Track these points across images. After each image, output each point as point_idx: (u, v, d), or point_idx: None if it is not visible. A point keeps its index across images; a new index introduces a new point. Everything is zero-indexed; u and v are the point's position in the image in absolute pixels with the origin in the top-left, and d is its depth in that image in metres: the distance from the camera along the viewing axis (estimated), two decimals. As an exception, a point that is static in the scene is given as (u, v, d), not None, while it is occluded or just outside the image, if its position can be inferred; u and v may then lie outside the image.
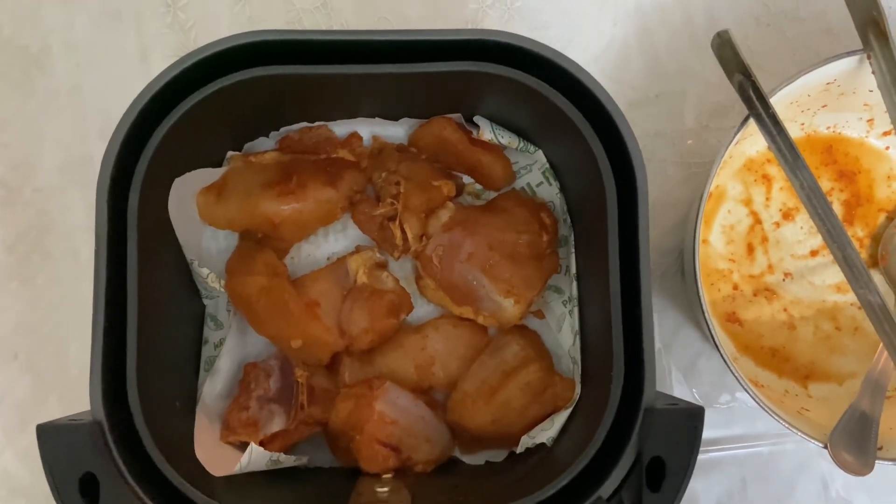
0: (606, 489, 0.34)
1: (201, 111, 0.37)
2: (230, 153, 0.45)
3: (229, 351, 0.43)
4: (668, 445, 0.34)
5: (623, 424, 0.35)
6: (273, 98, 0.41)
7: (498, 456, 0.44)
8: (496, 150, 0.45)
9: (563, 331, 0.46)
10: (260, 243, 0.45)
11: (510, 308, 0.44)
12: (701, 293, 0.41)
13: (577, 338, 0.43)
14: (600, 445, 0.35)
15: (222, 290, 0.43)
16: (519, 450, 0.41)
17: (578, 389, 0.42)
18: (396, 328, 0.44)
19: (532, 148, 0.45)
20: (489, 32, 0.35)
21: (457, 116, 0.45)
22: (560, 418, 0.41)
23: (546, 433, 0.41)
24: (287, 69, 0.37)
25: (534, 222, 0.44)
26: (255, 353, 0.45)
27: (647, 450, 0.34)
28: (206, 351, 0.44)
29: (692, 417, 0.34)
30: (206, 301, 0.45)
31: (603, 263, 0.37)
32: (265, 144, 0.46)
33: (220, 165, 0.44)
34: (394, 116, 0.45)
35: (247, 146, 0.46)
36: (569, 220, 0.46)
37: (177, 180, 0.39)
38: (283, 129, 0.46)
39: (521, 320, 0.44)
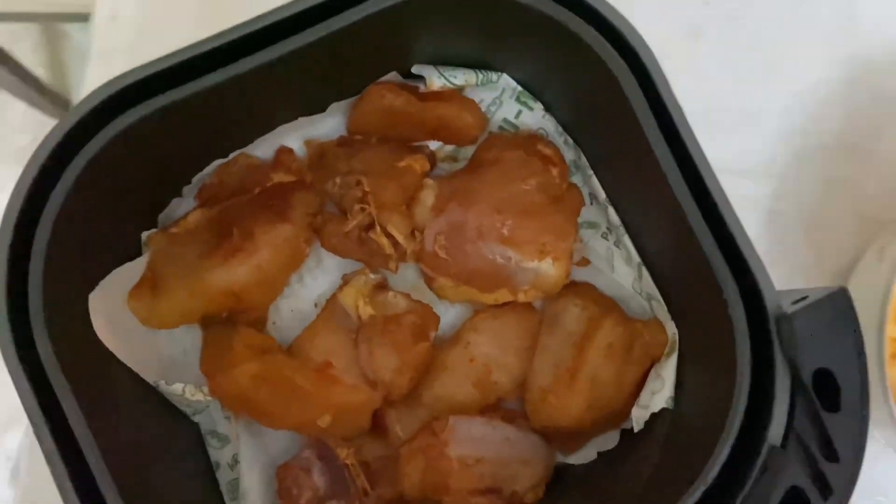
0: (775, 434, 0.28)
1: (84, 193, 0.29)
2: (144, 234, 0.36)
3: (249, 464, 0.36)
4: (824, 351, 0.27)
5: (757, 350, 0.28)
6: (164, 144, 0.33)
7: (608, 442, 0.38)
8: (455, 96, 0.37)
9: (616, 268, 0.39)
10: (229, 323, 0.37)
11: (550, 269, 0.37)
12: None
13: (642, 269, 0.36)
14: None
15: (209, 398, 0.35)
16: (636, 427, 0.35)
17: (672, 328, 0.35)
18: (430, 352, 0.37)
19: (494, 76, 0.37)
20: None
21: (392, 76, 0.37)
22: (667, 370, 0.34)
23: (661, 395, 0.34)
24: (161, 100, 0.29)
25: (534, 160, 0.37)
26: (280, 451, 0.38)
27: (803, 366, 0.27)
28: (223, 476, 0.37)
29: (837, 302, 0.28)
30: (195, 418, 0.37)
31: (649, 168, 0.30)
32: (182, 206, 0.38)
33: (138, 255, 0.36)
34: (319, 108, 0.37)
35: (161, 217, 0.37)
36: (569, 140, 0.39)
37: (92, 296, 0.31)
38: (195, 180, 0.37)
39: (568, 278, 0.37)
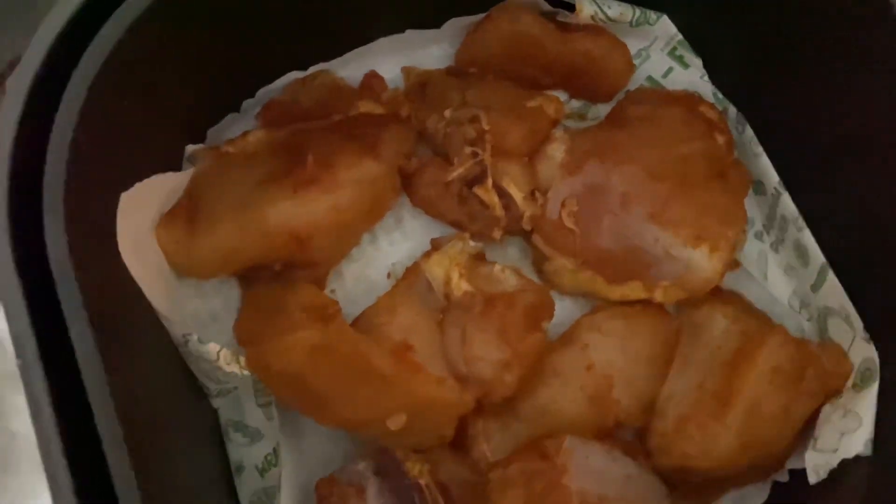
0: None
1: (117, 82, 0.22)
2: (190, 148, 0.29)
3: (288, 469, 0.27)
4: None
5: None
6: (222, 37, 0.26)
7: (753, 497, 0.30)
8: (604, 33, 0.31)
9: (770, 277, 0.32)
10: (280, 279, 0.29)
11: (703, 262, 0.29)
12: None
13: (828, 274, 0.29)
14: None
15: (245, 373, 0.27)
16: (816, 477, 0.27)
17: (868, 352, 0.28)
18: (543, 346, 0.29)
19: (653, 15, 0.31)
20: None
21: (531, -3, 0.30)
22: (863, 406, 0.27)
23: (856, 438, 0.27)
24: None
25: (697, 122, 0.30)
26: (319, 459, 0.29)
27: None
28: (248, 484, 0.28)
29: None
30: (216, 402, 0.29)
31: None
32: (238, 125, 0.30)
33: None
34: (430, 22, 0.31)
35: (211, 133, 0.30)
36: (731, 110, 0.32)
37: (122, 203, 0.23)
38: (260, 94, 0.30)
39: (722, 278, 0.30)
